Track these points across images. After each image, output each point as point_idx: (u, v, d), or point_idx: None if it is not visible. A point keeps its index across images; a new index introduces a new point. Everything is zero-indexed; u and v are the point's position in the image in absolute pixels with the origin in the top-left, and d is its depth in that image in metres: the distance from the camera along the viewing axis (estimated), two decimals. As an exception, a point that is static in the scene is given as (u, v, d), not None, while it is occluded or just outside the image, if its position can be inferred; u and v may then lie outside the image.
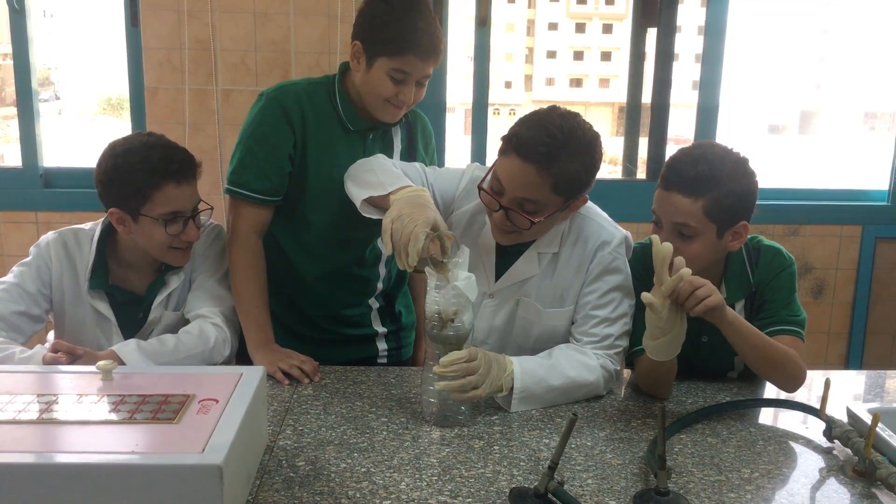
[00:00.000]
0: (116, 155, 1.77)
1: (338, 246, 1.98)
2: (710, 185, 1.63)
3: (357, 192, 1.75)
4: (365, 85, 1.86)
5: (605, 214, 1.82)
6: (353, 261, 2.01)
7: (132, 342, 1.73)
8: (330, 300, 2.02)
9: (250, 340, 1.88)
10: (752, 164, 1.71)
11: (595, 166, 1.66)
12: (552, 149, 1.58)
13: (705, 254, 1.66)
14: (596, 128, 1.68)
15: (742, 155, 1.70)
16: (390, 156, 1.95)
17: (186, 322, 1.88)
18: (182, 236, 1.80)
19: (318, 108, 1.91)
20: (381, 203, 1.68)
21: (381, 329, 2.11)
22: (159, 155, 1.76)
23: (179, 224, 1.79)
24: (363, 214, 1.72)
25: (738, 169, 1.67)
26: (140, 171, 1.74)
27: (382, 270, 2.08)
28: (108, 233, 1.86)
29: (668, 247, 1.50)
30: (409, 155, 2.02)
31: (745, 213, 1.68)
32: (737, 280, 1.76)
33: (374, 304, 2.10)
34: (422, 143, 2.05)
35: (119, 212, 1.78)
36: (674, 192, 1.66)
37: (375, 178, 1.73)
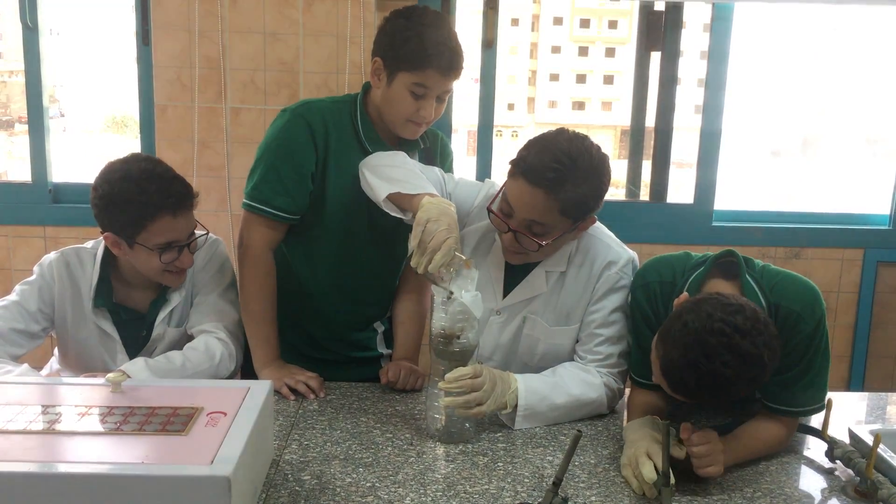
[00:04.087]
0: (113, 181, 1.74)
1: (350, 268, 1.97)
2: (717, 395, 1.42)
3: (380, 185, 1.71)
4: (385, 101, 1.85)
5: (612, 234, 1.84)
6: (363, 285, 2.01)
7: (140, 360, 1.74)
8: (337, 322, 2.02)
9: (257, 357, 1.89)
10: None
11: (602, 188, 1.67)
12: (559, 174, 1.59)
13: None
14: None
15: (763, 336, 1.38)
16: None
17: (189, 338, 1.89)
18: (177, 263, 1.79)
19: (340, 128, 1.89)
20: (401, 201, 1.68)
21: (385, 351, 2.11)
22: (157, 187, 1.73)
23: (174, 252, 1.78)
24: (384, 209, 1.71)
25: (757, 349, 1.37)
26: (136, 202, 1.72)
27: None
28: (110, 252, 1.84)
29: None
30: None
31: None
32: None
33: (379, 327, 2.11)
34: (439, 163, 2.01)
35: (114, 237, 1.77)
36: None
37: (402, 175, 1.72)
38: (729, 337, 1.34)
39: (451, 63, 1.80)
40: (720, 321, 1.36)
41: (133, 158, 1.80)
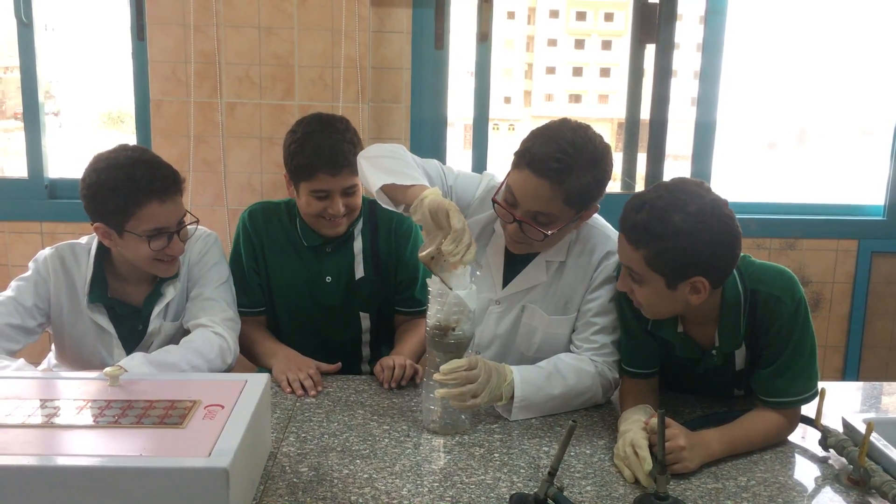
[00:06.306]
0: (100, 170, 1.75)
1: (309, 337, 2.09)
2: (649, 237, 1.48)
3: (375, 175, 1.69)
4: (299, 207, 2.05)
5: (610, 225, 1.84)
6: (334, 342, 2.11)
7: (138, 355, 1.73)
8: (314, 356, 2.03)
9: (268, 347, 2.00)
10: (725, 210, 1.50)
11: (605, 178, 1.68)
12: (564, 164, 1.60)
13: (659, 301, 1.55)
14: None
15: (708, 201, 1.49)
16: (349, 263, 2.07)
17: (186, 332, 1.89)
18: (167, 251, 1.79)
19: (276, 227, 2.10)
20: (395, 192, 1.66)
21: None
22: (142, 172, 1.74)
23: (164, 239, 1.78)
24: (377, 199, 1.70)
25: (689, 223, 1.45)
26: (123, 189, 1.73)
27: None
28: (103, 246, 1.84)
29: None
30: (372, 259, 2.09)
31: (699, 270, 1.49)
32: (728, 331, 1.60)
33: (364, 349, 2.20)
34: (386, 245, 2.12)
35: (104, 227, 1.77)
36: (621, 238, 1.56)
37: (398, 167, 1.71)
38: (670, 184, 1.55)
39: (334, 164, 1.95)
40: (673, 182, 1.56)
41: (120, 148, 1.81)
